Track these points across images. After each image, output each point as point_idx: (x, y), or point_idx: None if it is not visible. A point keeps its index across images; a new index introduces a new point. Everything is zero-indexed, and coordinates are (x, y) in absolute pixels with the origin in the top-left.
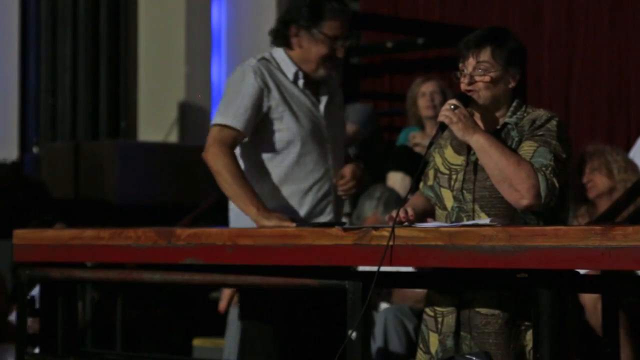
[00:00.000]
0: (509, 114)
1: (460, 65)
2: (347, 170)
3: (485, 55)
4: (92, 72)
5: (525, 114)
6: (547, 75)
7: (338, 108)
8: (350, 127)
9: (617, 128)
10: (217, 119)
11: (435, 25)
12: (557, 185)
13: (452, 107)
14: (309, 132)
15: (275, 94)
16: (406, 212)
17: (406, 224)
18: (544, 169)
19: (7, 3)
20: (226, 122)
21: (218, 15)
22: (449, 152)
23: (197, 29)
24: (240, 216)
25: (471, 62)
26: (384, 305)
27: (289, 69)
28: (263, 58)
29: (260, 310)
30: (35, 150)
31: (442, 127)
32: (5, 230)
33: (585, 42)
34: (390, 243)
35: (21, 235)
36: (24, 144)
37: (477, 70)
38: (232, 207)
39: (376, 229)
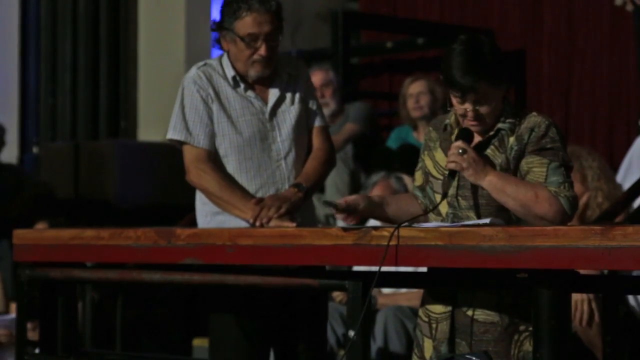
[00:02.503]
0: (501, 119)
1: (455, 97)
2: (269, 200)
3: (482, 90)
4: (92, 72)
5: (518, 120)
6: (547, 75)
7: (293, 105)
8: (349, 125)
9: (617, 128)
10: (175, 134)
11: (435, 26)
12: (576, 195)
13: (460, 151)
14: (250, 138)
15: (214, 102)
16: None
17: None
18: (562, 188)
19: (7, 3)
20: (192, 142)
21: (217, 15)
22: (439, 156)
23: (197, 29)
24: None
25: (471, 98)
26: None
27: (230, 73)
28: (206, 64)
29: (229, 305)
30: (35, 150)
31: (452, 174)
32: (7, 230)
33: (585, 42)
34: (393, 243)
35: (21, 235)
36: (24, 144)
37: (478, 104)
38: (198, 210)
39: (376, 229)
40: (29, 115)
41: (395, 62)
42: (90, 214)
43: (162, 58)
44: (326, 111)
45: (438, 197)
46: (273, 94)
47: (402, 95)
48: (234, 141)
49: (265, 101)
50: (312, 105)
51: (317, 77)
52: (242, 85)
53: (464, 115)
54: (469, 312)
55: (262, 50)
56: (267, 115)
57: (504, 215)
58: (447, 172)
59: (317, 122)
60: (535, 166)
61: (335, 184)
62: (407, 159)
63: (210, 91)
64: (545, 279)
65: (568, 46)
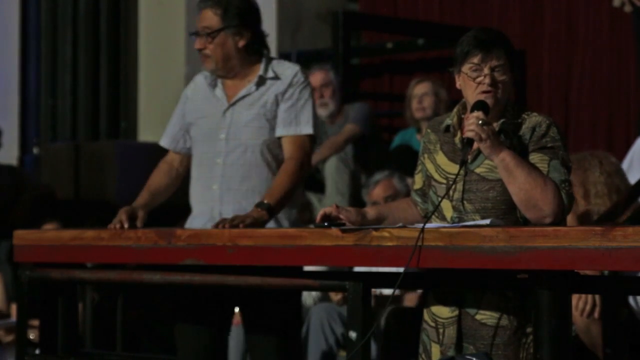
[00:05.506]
0: (503, 119)
1: (472, 64)
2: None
3: (503, 56)
4: (92, 72)
5: (519, 119)
6: (547, 75)
7: (254, 106)
8: (349, 126)
9: (617, 128)
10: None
11: (435, 26)
12: (574, 196)
13: (481, 122)
14: (203, 134)
15: (190, 104)
16: (337, 208)
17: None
18: (563, 185)
19: (7, 3)
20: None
21: None
22: (441, 159)
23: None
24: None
25: (493, 62)
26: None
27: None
28: None
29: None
30: (35, 151)
31: (470, 142)
32: (7, 231)
33: (585, 42)
34: (393, 244)
35: (21, 235)
36: (24, 145)
37: (496, 71)
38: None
39: (376, 229)
40: (29, 116)
41: (395, 63)
42: (90, 214)
43: (162, 58)
44: (325, 112)
45: (443, 202)
46: (239, 94)
47: (407, 96)
48: (194, 136)
49: (229, 101)
50: (290, 112)
51: (317, 78)
52: (216, 84)
53: (480, 83)
54: (477, 316)
55: (195, 44)
56: (221, 113)
57: (510, 219)
58: (450, 175)
59: (289, 131)
60: (537, 162)
61: (335, 185)
62: (404, 160)
63: (192, 93)
64: (545, 280)
65: (568, 46)
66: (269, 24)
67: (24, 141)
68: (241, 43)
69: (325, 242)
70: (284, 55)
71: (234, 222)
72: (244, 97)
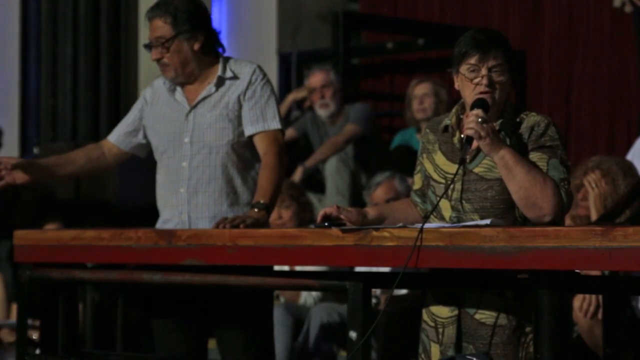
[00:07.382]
0: (501, 119)
1: (470, 65)
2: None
3: (501, 57)
4: (92, 72)
5: (517, 119)
6: (547, 75)
7: (216, 108)
8: (349, 126)
9: (617, 128)
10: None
11: (435, 26)
12: (573, 195)
13: (480, 119)
14: (167, 139)
15: (148, 108)
16: (338, 209)
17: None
18: (562, 183)
19: (7, 3)
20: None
21: (218, 15)
22: (440, 159)
23: None
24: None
25: (490, 63)
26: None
27: None
28: None
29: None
30: (35, 150)
31: (469, 140)
32: (8, 231)
33: (585, 42)
34: (393, 244)
35: (21, 235)
36: (25, 145)
37: (494, 72)
38: None
39: (377, 229)
40: (29, 115)
41: (395, 63)
42: (90, 214)
43: None
44: (326, 112)
45: (441, 201)
46: (200, 96)
47: (408, 97)
48: (155, 142)
49: (190, 104)
50: (255, 110)
51: (317, 78)
52: (175, 88)
53: (477, 84)
54: (477, 316)
55: (152, 54)
56: (184, 117)
57: (508, 218)
58: (448, 174)
59: (257, 128)
60: (536, 161)
61: (335, 185)
62: (404, 160)
63: (151, 97)
64: (545, 280)
65: (568, 46)
66: (269, 24)
67: (24, 141)
68: (196, 46)
69: (326, 242)
70: (284, 56)
71: (234, 222)
72: (204, 98)
